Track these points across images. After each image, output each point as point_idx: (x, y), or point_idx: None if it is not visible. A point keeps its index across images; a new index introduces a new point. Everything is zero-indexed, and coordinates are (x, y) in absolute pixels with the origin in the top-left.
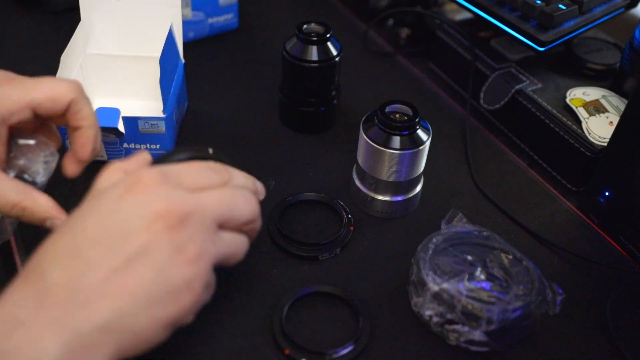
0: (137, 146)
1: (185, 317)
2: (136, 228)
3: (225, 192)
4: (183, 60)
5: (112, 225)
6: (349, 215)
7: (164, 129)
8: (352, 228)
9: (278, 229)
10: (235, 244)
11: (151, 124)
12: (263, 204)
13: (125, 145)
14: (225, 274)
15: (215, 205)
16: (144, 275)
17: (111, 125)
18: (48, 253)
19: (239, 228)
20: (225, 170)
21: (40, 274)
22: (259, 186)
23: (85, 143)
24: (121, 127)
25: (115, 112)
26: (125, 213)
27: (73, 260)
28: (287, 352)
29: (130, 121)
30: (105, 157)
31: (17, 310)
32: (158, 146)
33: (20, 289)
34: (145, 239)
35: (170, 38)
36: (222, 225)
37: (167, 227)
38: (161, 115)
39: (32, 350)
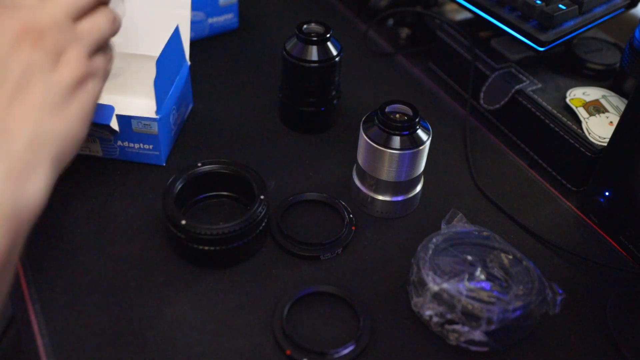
0: (131, 145)
1: (92, 104)
2: (6, 55)
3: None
4: (189, 62)
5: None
6: (351, 215)
7: (156, 130)
8: (353, 228)
9: (279, 229)
10: (98, 25)
11: (144, 124)
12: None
13: (119, 143)
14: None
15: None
16: (37, 90)
17: (104, 122)
18: None
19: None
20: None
21: None
22: None
23: None
24: (115, 125)
25: (109, 109)
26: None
27: None
28: (288, 352)
29: (124, 120)
30: (100, 154)
31: None
32: (151, 146)
33: None
34: (22, 60)
35: (174, 39)
36: (78, 17)
37: (35, 43)
38: (154, 116)
39: None
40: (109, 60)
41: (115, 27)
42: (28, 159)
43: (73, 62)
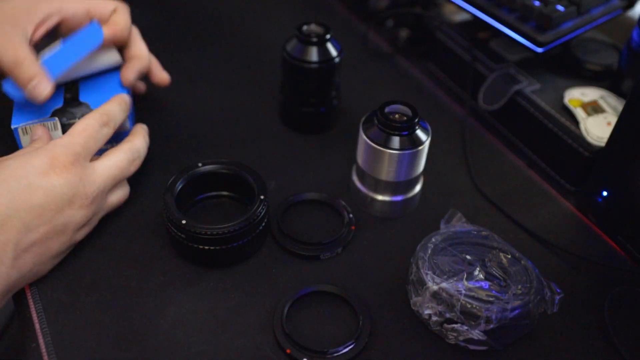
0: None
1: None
2: (62, 205)
3: (117, 160)
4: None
5: (43, 198)
6: (351, 215)
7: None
8: (353, 228)
9: (280, 229)
10: (118, 198)
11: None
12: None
13: None
14: None
15: (111, 177)
16: (60, 238)
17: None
18: None
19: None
20: (107, 117)
21: None
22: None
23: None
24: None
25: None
26: (53, 191)
27: (11, 221)
28: (288, 351)
29: None
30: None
31: None
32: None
33: None
34: (68, 212)
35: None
36: (111, 190)
37: (82, 205)
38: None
39: None
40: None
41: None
42: (16, 283)
43: (88, 228)
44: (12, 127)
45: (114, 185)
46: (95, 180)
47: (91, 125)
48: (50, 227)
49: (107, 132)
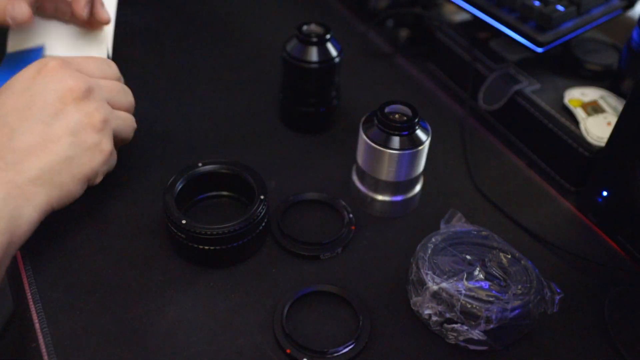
0: None
1: (96, 174)
2: (51, 100)
3: (113, 83)
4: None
5: (29, 99)
6: (351, 215)
7: None
8: (353, 228)
9: (280, 229)
10: (125, 120)
11: None
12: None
13: None
14: None
15: (108, 88)
16: (62, 138)
17: None
18: None
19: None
20: (113, 65)
21: None
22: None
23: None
24: None
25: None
26: (39, 89)
27: (0, 129)
28: (288, 351)
29: None
30: None
31: None
32: None
33: None
34: (60, 107)
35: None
36: (112, 106)
37: (76, 99)
38: None
39: None
40: (114, 159)
41: (132, 133)
42: (29, 190)
43: (101, 132)
44: None
45: (106, 81)
46: (83, 70)
47: (89, 57)
48: (45, 127)
49: (107, 67)
